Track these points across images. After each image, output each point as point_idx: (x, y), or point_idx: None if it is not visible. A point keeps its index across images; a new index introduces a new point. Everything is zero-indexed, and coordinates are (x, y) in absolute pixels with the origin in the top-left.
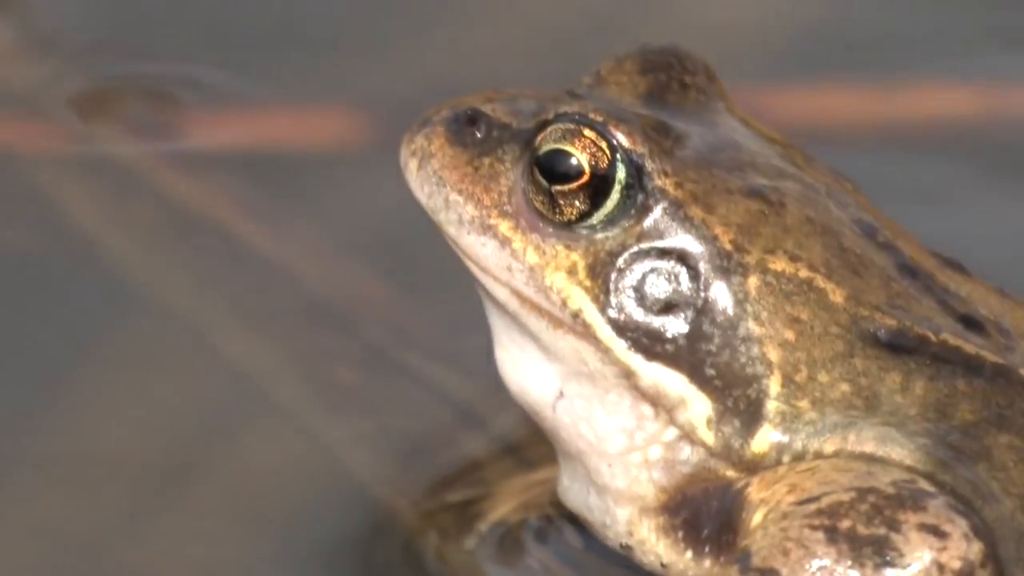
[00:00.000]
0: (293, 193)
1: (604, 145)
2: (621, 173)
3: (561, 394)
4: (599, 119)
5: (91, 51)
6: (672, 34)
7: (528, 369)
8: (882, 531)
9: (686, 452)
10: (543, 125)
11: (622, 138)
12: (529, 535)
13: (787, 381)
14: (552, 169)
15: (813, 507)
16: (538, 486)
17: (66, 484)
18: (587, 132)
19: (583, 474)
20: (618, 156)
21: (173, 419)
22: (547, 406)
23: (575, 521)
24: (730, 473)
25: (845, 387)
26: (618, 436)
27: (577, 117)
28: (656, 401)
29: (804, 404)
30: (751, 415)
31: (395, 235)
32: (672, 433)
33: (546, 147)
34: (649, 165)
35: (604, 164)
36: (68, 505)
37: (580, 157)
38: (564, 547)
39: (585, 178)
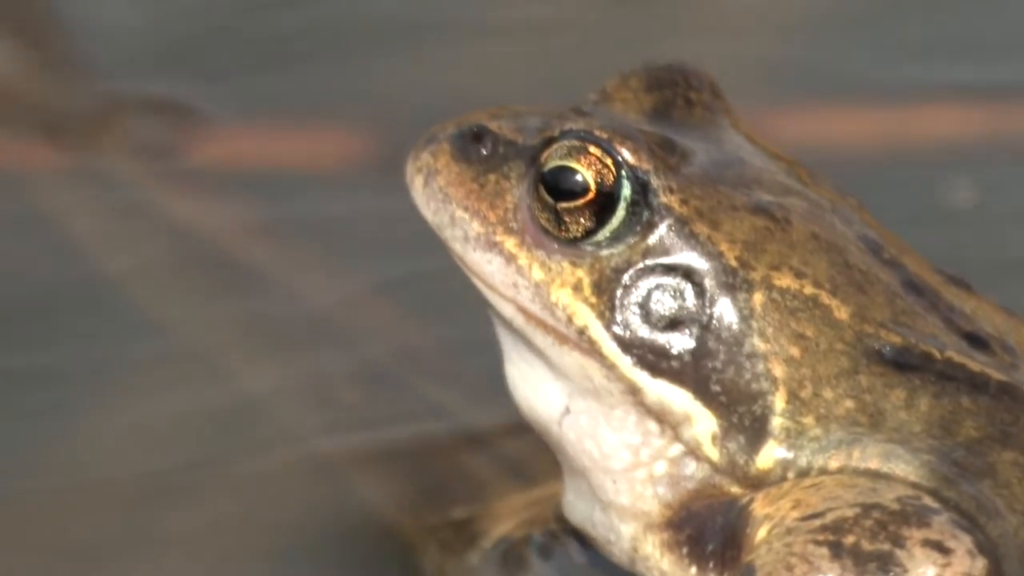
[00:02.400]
0: (296, 212)
1: (609, 162)
2: (626, 190)
3: (567, 410)
4: (604, 136)
5: (96, 72)
6: (677, 52)
7: (535, 385)
8: (886, 547)
9: (691, 468)
10: (548, 142)
11: (627, 155)
12: (533, 551)
13: (792, 397)
14: (557, 186)
15: (818, 523)
16: (541, 503)
17: (66, 500)
18: (592, 149)
19: (588, 490)
20: (623, 173)
21: (174, 437)
22: (553, 422)
23: (579, 537)
24: (735, 489)
25: (850, 403)
26: (623, 452)
27: (583, 134)
28: (661, 417)
29: (809, 420)
30: (756, 431)
31: (398, 254)
32: (677, 449)
33: (551, 164)
34: (654, 182)
35: (609, 181)
36: (68, 520)
37: (585, 174)
38: (568, 563)
39: (591, 195)
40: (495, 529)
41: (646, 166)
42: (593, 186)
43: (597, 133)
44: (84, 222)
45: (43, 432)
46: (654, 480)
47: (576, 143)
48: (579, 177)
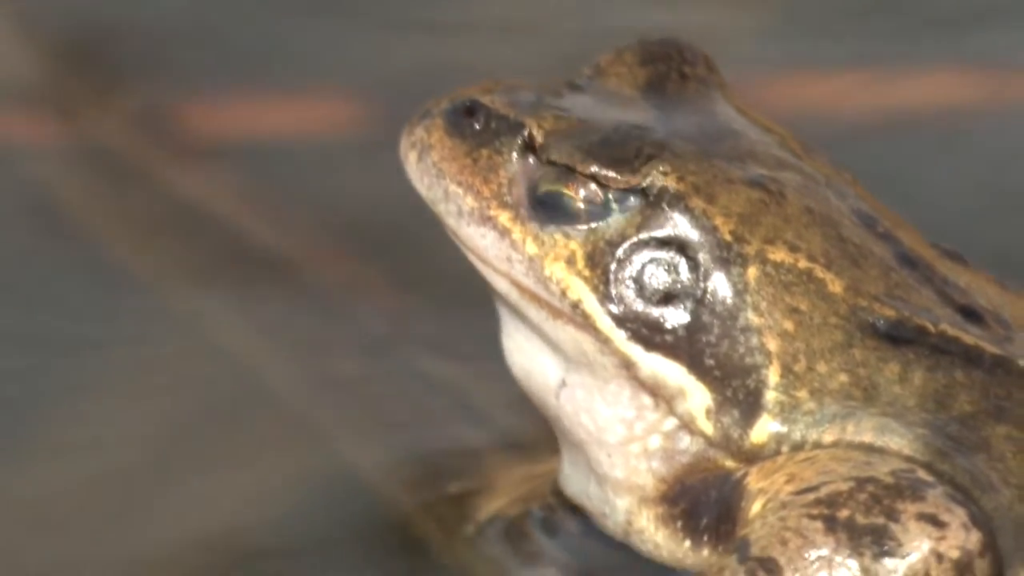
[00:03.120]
0: (291, 182)
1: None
2: None
3: (564, 383)
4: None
5: (89, 42)
6: (670, 27)
7: (532, 357)
8: (881, 521)
9: (685, 442)
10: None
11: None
12: (530, 525)
13: (786, 371)
14: (554, 209)
15: (812, 497)
16: (539, 477)
17: (63, 475)
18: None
19: (584, 463)
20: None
21: (170, 410)
22: (550, 394)
23: (576, 511)
24: (729, 463)
25: (844, 377)
26: (618, 426)
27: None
28: (655, 391)
29: (803, 394)
30: (750, 405)
31: (395, 224)
32: (671, 423)
33: (544, 188)
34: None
35: (599, 202)
36: (65, 496)
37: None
38: (565, 536)
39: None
40: (492, 503)
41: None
42: (584, 215)
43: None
44: (79, 192)
45: (30, 403)
46: (648, 454)
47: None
48: (570, 201)
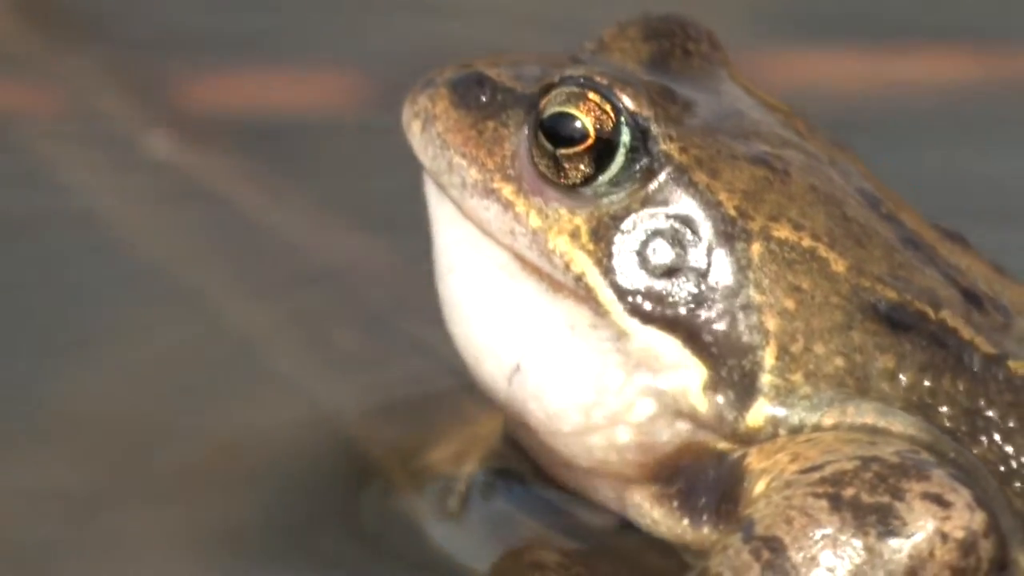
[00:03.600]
0: (291, 157)
1: (609, 108)
2: (626, 136)
3: (518, 368)
4: (604, 82)
5: (91, 17)
6: (674, 2)
7: (488, 342)
8: (886, 500)
9: (665, 434)
10: (547, 88)
11: (627, 101)
12: (473, 486)
13: (782, 352)
14: (557, 132)
15: (816, 475)
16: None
17: (60, 445)
18: (592, 95)
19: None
20: (623, 119)
21: (170, 382)
22: (502, 379)
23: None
24: (721, 445)
25: (839, 361)
26: (573, 413)
27: (582, 80)
28: (644, 364)
29: (797, 378)
30: (746, 387)
31: (393, 199)
32: (645, 410)
33: (551, 110)
34: (654, 129)
35: (609, 127)
36: (59, 464)
37: (585, 120)
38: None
39: (589, 141)
40: (438, 455)
41: (646, 113)
42: (592, 132)
43: (597, 79)
44: (81, 167)
45: (30, 377)
46: (618, 448)
47: (575, 89)
48: (578, 123)
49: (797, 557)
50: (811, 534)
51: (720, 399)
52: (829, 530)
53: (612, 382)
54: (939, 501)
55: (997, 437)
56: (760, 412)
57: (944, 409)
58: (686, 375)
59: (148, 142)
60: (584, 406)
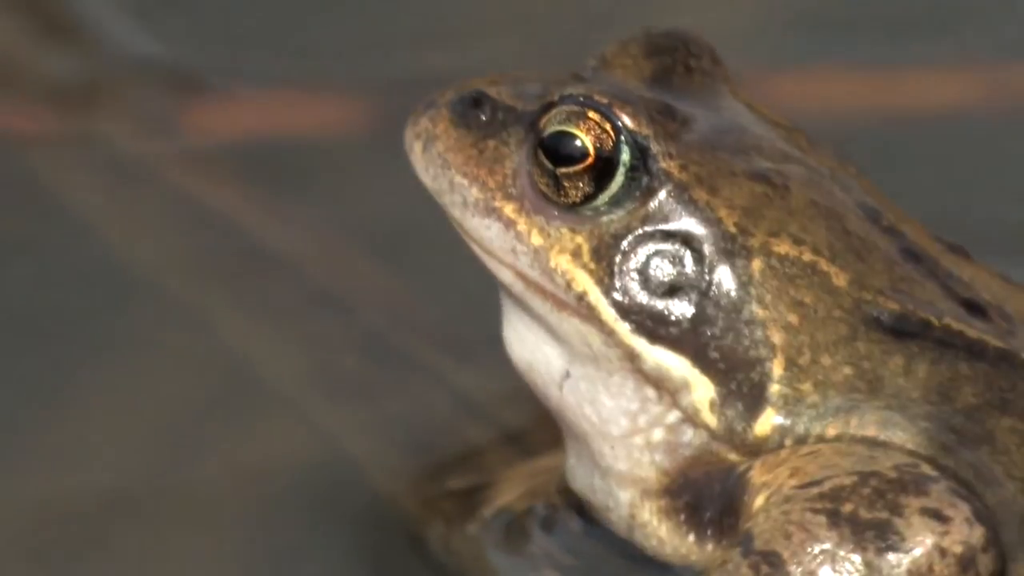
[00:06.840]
0: (295, 180)
1: (608, 127)
2: (625, 155)
3: (567, 375)
4: (604, 101)
5: (96, 39)
6: (676, 19)
7: (535, 349)
8: (884, 515)
9: (688, 435)
10: (548, 107)
11: (627, 120)
12: (534, 523)
13: (790, 364)
14: (557, 151)
15: (815, 491)
16: (542, 473)
17: (63, 467)
18: (591, 114)
19: (588, 456)
20: (622, 138)
21: (173, 405)
22: (554, 386)
23: (580, 510)
24: (732, 456)
25: (848, 370)
26: (621, 418)
27: (582, 99)
28: (659, 384)
29: (807, 387)
30: (754, 398)
31: (397, 221)
32: (674, 416)
33: (551, 129)
34: (654, 147)
35: (608, 146)
36: (61, 487)
37: (584, 139)
38: (568, 535)
39: (589, 160)
40: (496, 500)
41: (645, 131)
42: (592, 151)
43: (596, 98)
44: (83, 188)
45: (31, 399)
46: (651, 447)
47: (575, 108)
48: (578, 142)
49: (796, 572)
50: (810, 549)
51: (729, 412)
52: (828, 545)
53: (651, 394)
54: (938, 516)
55: (1017, 425)
56: (768, 422)
57: (965, 393)
58: (696, 392)
59: (150, 164)
60: (631, 412)
